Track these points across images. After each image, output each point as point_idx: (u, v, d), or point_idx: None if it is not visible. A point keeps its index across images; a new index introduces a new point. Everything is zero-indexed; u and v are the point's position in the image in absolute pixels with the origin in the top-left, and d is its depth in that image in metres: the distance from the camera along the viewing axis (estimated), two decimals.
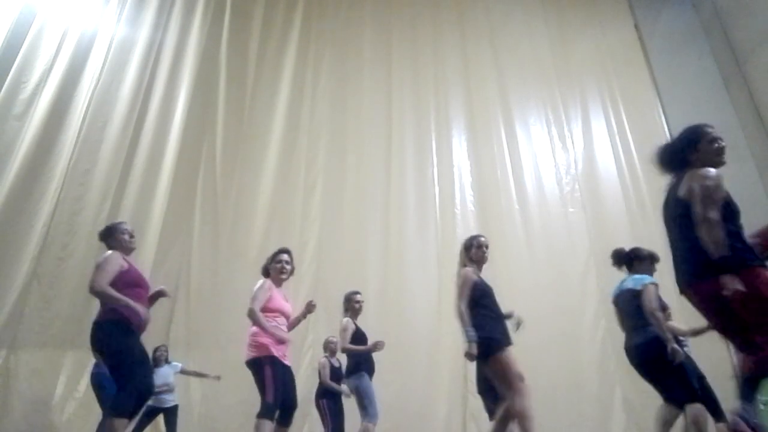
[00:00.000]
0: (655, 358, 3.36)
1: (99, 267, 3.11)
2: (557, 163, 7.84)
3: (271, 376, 3.35)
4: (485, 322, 3.40)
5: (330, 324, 5.73)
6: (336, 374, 5.12)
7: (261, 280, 3.72)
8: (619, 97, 8.36)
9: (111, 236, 3.38)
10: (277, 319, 3.59)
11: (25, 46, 7.24)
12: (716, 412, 3.70)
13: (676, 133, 8.91)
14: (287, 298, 3.81)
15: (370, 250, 6.99)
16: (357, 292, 4.81)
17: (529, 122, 8.14)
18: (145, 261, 6.50)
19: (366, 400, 4.38)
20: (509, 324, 3.66)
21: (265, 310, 3.56)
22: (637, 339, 3.48)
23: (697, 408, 3.23)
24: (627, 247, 3.97)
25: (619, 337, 3.80)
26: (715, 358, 5.20)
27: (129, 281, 3.15)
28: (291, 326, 3.79)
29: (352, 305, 4.73)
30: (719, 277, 2.19)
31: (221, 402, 5.80)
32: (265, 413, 3.27)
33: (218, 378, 5.40)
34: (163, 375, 5.29)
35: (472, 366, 4.19)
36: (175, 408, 5.32)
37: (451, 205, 7.37)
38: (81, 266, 6.00)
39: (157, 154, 7.19)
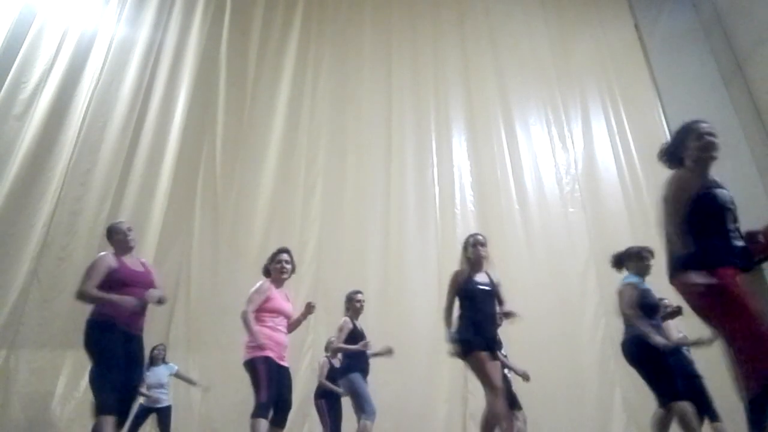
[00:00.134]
0: (634, 355, 3.47)
1: (86, 272, 3.21)
2: (557, 163, 7.84)
3: (264, 376, 3.35)
4: (463, 324, 3.55)
5: (330, 324, 5.72)
6: (335, 374, 5.12)
7: (259, 282, 3.73)
8: (619, 97, 8.36)
9: (110, 237, 3.43)
10: (275, 319, 3.58)
11: (25, 46, 7.24)
12: (710, 412, 3.70)
13: None
14: (289, 298, 3.79)
15: (370, 250, 7.00)
16: (358, 292, 4.79)
17: (529, 122, 8.15)
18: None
19: (361, 399, 4.37)
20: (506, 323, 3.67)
21: (264, 310, 3.57)
22: (623, 337, 3.60)
23: (681, 406, 3.24)
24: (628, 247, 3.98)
25: (619, 336, 3.81)
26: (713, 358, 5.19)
27: (117, 281, 3.17)
28: (292, 327, 3.77)
29: (353, 305, 4.72)
30: (684, 274, 2.25)
31: (221, 402, 5.79)
32: (257, 412, 3.28)
33: (207, 389, 5.34)
34: (158, 374, 5.28)
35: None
36: (168, 408, 5.29)
37: (451, 205, 7.38)
38: (81, 266, 5.93)
39: (157, 154, 7.18)
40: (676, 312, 3.67)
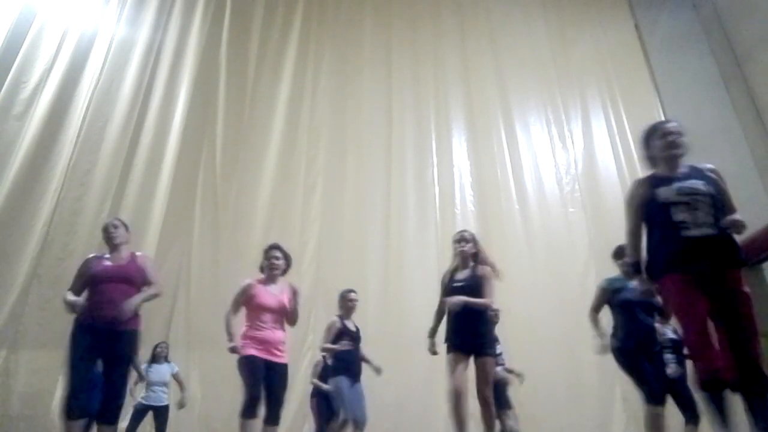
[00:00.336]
0: (615, 358, 3.53)
1: None
2: (557, 163, 7.85)
3: (245, 375, 3.37)
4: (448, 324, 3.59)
5: None
6: (327, 373, 5.10)
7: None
8: (619, 97, 8.37)
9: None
10: (260, 316, 3.54)
11: (25, 46, 7.24)
12: (689, 414, 3.69)
13: None
14: (283, 292, 3.67)
15: (370, 250, 7.00)
16: (351, 290, 4.74)
17: (529, 122, 8.15)
18: None
19: (337, 402, 4.33)
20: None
21: (249, 309, 3.59)
22: None
23: (650, 409, 3.28)
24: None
25: None
26: None
27: (90, 279, 3.22)
28: (290, 319, 3.67)
29: (345, 303, 4.66)
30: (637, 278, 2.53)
31: (221, 401, 5.79)
32: (241, 412, 3.30)
33: (182, 405, 5.31)
34: (160, 372, 5.27)
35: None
36: (166, 408, 5.26)
37: (451, 205, 7.38)
38: None
39: (157, 154, 7.18)
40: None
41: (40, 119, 6.89)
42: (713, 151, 7.79)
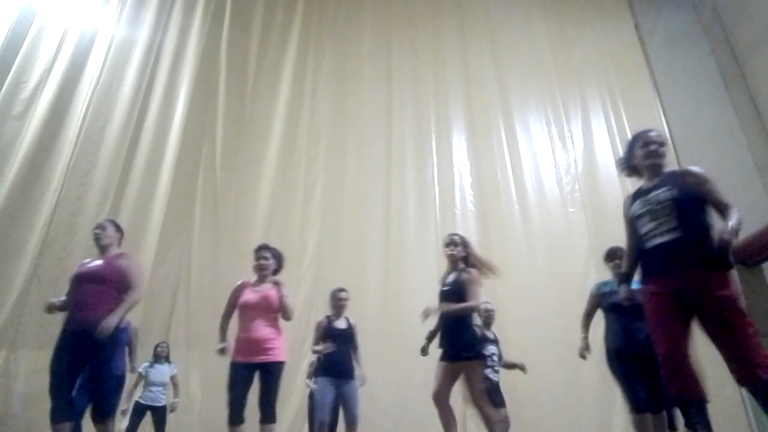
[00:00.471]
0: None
1: None
2: (557, 163, 7.84)
3: (227, 382, 3.41)
4: None
5: None
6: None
7: None
8: (619, 97, 8.36)
9: None
10: (244, 317, 3.56)
11: (25, 46, 7.24)
12: (668, 423, 3.69)
13: (676, 133, 8.94)
14: (269, 289, 3.63)
15: (370, 250, 7.00)
16: (341, 289, 4.71)
17: (529, 122, 8.15)
18: (145, 261, 6.49)
19: (313, 404, 4.33)
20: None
21: (238, 310, 3.62)
22: None
23: (633, 417, 3.30)
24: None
25: None
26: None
27: (72, 282, 3.28)
28: (283, 313, 3.61)
29: (335, 302, 4.64)
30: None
31: (221, 401, 5.77)
32: (227, 420, 3.33)
33: (173, 409, 5.31)
34: (161, 372, 5.27)
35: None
36: (164, 408, 5.26)
37: (451, 205, 7.38)
38: None
39: (157, 154, 7.18)
40: None
41: (40, 119, 6.88)
42: (713, 151, 7.80)
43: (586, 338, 3.72)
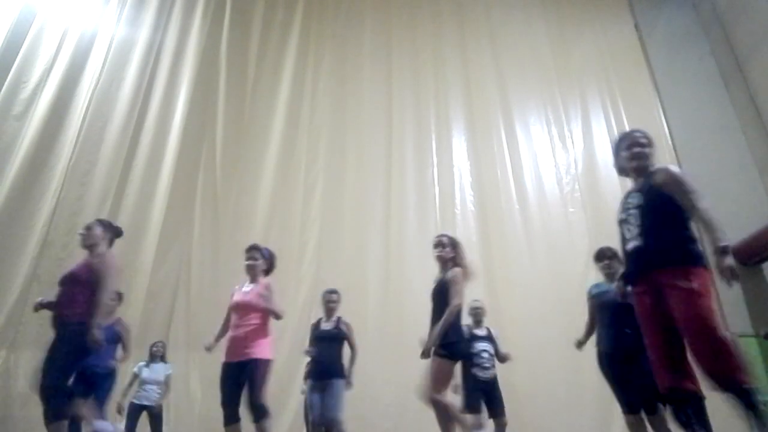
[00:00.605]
0: None
1: None
2: (557, 163, 7.84)
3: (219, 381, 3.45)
4: None
5: None
6: None
7: None
8: (619, 97, 8.36)
9: None
10: (231, 317, 3.61)
11: (25, 46, 7.24)
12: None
13: (677, 133, 8.93)
14: (254, 288, 3.64)
15: (370, 250, 6.99)
16: (332, 291, 4.72)
17: (529, 122, 8.14)
18: (145, 261, 6.51)
19: (305, 408, 4.35)
20: None
21: (228, 310, 3.70)
22: None
23: (625, 418, 3.32)
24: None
25: None
26: None
27: (58, 285, 3.28)
28: (270, 312, 3.58)
29: (325, 304, 4.66)
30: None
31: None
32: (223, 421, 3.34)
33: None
34: (156, 372, 5.22)
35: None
36: (159, 407, 5.19)
37: (451, 205, 7.37)
38: None
39: (157, 154, 7.19)
40: None
41: (40, 119, 6.89)
42: (713, 151, 7.80)
43: (584, 341, 3.72)
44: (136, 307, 6.19)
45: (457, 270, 3.49)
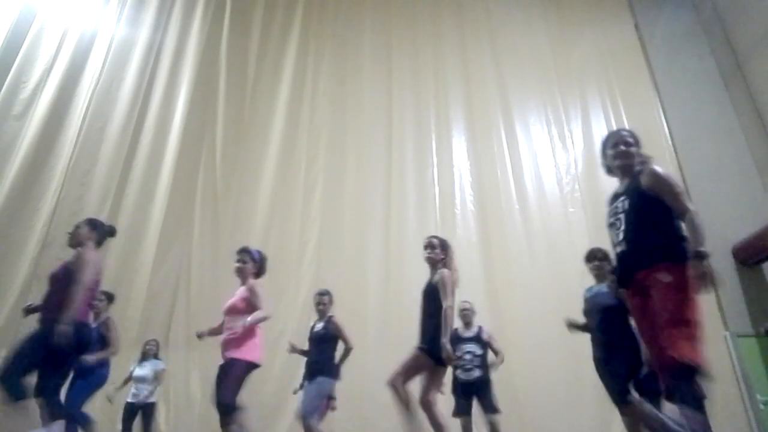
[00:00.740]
0: None
1: None
2: (557, 163, 7.84)
3: None
4: None
5: None
6: None
7: None
8: (619, 97, 8.36)
9: None
10: (224, 320, 3.64)
11: (25, 46, 7.25)
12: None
13: (677, 133, 8.91)
14: (240, 292, 3.67)
15: (370, 250, 6.99)
16: (322, 293, 4.71)
17: (529, 122, 8.14)
18: (145, 261, 6.51)
19: None
20: None
21: None
22: None
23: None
24: None
25: None
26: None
27: None
28: (257, 319, 3.56)
29: (315, 306, 4.68)
30: None
31: None
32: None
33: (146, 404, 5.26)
34: (144, 369, 5.21)
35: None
36: (149, 405, 5.14)
37: (451, 205, 7.37)
38: None
39: (157, 154, 7.19)
40: None
41: (40, 119, 6.89)
42: (713, 151, 7.81)
43: (576, 327, 3.73)
44: (136, 307, 6.20)
45: (444, 272, 3.50)
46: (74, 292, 3.00)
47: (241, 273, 3.70)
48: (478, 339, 4.63)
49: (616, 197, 2.51)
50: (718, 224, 7.18)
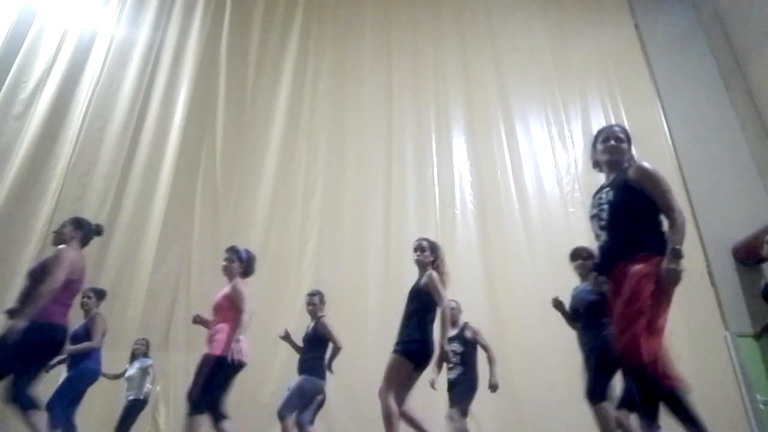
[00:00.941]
0: None
1: None
2: (557, 163, 7.84)
3: None
4: None
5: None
6: None
7: None
8: (619, 97, 8.36)
9: None
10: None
11: (25, 46, 7.25)
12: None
13: (676, 133, 8.92)
14: (230, 286, 3.71)
15: (370, 250, 6.99)
16: (312, 294, 4.71)
17: (529, 122, 8.14)
18: (145, 261, 6.51)
19: None
20: None
21: None
22: None
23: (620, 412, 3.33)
24: None
25: None
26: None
27: None
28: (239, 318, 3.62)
29: (306, 307, 4.69)
30: None
31: None
32: None
33: (139, 401, 5.26)
34: (131, 368, 5.25)
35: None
36: (133, 402, 5.13)
37: (451, 205, 7.37)
38: None
39: (157, 154, 7.19)
40: None
41: (40, 119, 6.89)
42: (713, 151, 7.81)
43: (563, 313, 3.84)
44: (136, 307, 6.20)
45: (432, 274, 3.50)
46: (42, 289, 2.93)
47: (228, 271, 3.74)
48: (460, 337, 4.57)
49: (600, 189, 2.50)
50: (717, 224, 7.19)
